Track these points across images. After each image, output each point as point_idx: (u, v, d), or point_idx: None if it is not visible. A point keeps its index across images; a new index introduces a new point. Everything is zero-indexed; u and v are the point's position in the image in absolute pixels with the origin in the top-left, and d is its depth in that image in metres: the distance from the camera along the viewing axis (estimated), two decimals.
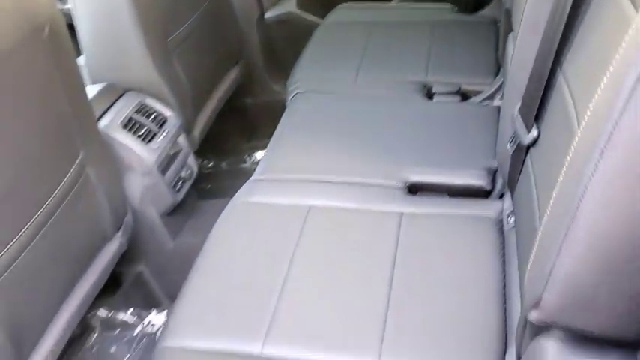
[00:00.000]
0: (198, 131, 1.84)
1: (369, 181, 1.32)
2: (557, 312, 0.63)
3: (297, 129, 1.53)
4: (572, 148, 0.61)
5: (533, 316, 0.66)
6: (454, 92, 1.61)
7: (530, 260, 0.69)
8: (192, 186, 1.81)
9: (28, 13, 1.12)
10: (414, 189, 1.33)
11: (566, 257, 0.59)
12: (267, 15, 2.26)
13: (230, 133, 2.20)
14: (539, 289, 0.63)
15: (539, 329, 0.75)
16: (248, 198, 1.31)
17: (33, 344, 1.24)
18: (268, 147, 1.49)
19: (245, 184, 1.37)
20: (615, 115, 0.51)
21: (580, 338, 0.70)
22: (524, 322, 0.80)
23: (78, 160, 1.32)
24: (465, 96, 1.63)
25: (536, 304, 0.65)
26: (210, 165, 2.11)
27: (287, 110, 1.64)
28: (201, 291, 1.12)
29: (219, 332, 1.03)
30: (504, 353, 0.94)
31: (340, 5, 2.16)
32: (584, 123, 0.59)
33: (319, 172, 1.36)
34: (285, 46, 2.26)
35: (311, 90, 1.69)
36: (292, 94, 1.71)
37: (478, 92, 1.62)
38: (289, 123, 1.56)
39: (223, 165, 2.15)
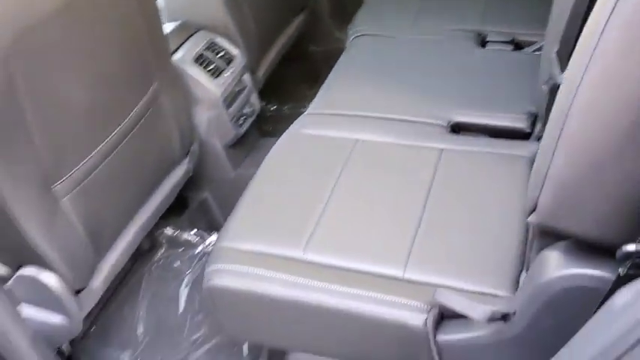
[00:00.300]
0: (262, 72, 1.96)
1: (415, 119, 1.41)
2: (550, 215, 0.71)
3: (352, 69, 1.63)
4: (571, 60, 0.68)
5: (532, 219, 0.74)
6: (507, 42, 1.65)
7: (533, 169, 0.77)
8: (255, 126, 1.95)
9: None
10: (456, 128, 1.41)
11: (558, 160, 0.67)
12: None
13: (293, 79, 2.31)
14: (537, 193, 0.71)
15: (544, 244, 0.83)
16: (301, 130, 1.43)
17: (108, 246, 1.42)
18: (324, 84, 1.60)
19: (299, 118, 1.49)
20: (600, 29, 0.58)
21: (578, 249, 0.78)
22: (532, 237, 0.88)
23: (152, 87, 1.47)
24: (518, 46, 1.67)
25: (533, 208, 0.73)
26: (272, 108, 2.23)
27: (345, 52, 1.73)
28: (255, 203, 1.26)
29: (267, 238, 1.16)
30: (519, 275, 1.03)
31: None
32: (581, 39, 0.66)
33: (369, 109, 1.45)
34: None
35: (369, 34, 1.77)
36: (351, 38, 1.80)
37: (532, 43, 1.65)
38: (345, 63, 1.66)
39: (285, 109, 2.27)
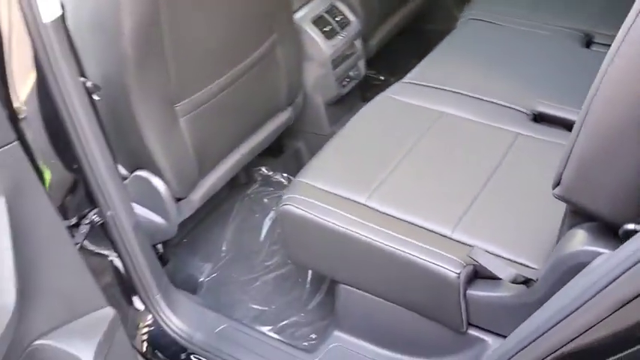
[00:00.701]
0: (375, 41, 2.10)
1: (500, 102, 1.50)
2: (570, 189, 0.81)
3: (455, 48, 1.73)
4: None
5: (556, 191, 0.84)
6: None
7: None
8: (358, 90, 2.09)
9: None
10: (538, 118, 1.48)
11: (581, 140, 0.76)
12: None
13: (405, 54, 2.42)
14: (562, 168, 0.81)
15: (574, 223, 0.93)
16: (392, 95, 1.56)
17: (209, 168, 1.64)
18: (425, 58, 1.71)
19: (393, 85, 1.62)
20: (630, 23, 0.67)
21: (599, 231, 0.87)
22: (564, 216, 0.97)
23: (272, 38, 1.66)
24: None
25: (558, 181, 0.83)
26: (379, 77, 2.36)
27: (453, 32, 1.83)
28: (336, 151, 1.42)
29: (339, 181, 1.32)
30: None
31: None
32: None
33: (458, 86, 1.55)
34: None
35: (480, 19, 1.86)
36: (463, 20, 1.89)
37: None
38: (450, 42, 1.76)
39: (391, 80, 2.39)
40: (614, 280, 0.61)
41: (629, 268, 0.60)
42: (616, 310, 0.61)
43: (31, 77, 1.18)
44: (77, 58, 1.25)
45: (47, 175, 1.21)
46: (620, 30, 0.72)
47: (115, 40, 1.28)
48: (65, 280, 1.11)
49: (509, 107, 1.48)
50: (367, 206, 1.26)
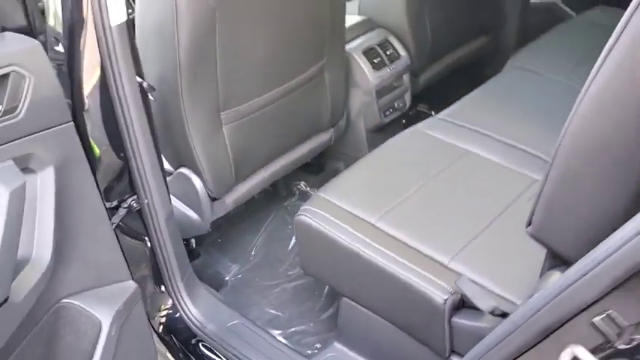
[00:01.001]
0: (424, 78, 2.19)
1: (525, 148, 1.55)
2: (539, 229, 0.87)
3: (493, 91, 1.80)
4: None
5: (528, 230, 0.90)
6: None
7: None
8: (400, 121, 2.18)
9: None
10: None
11: (549, 182, 0.83)
12: (533, 0, 2.47)
13: (456, 93, 2.49)
14: (533, 207, 0.87)
15: (552, 265, 0.98)
16: (424, 128, 1.65)
17: (245, 175, 1.76)
18: (464, 97, 1.79)
19: (428, 119, 1.70)
20: (592, 76, 0.74)
21: None
22: (544, 259, 1.02)
23: (321, 62, 1.78)
24: None
25: (530, 221, 0.89)
26: (424, 111, 2.43)
27: (496, 76, 1.90)
28: (358, 172, 1.52)
29: (354, 200, 1.41)
30: None
31: (600, 7, 2.26)
32: None
33: (488, 128, 1.62)
34: (538, 32, 2.44)
35: (525, 67, 1.91)
36: (509, 66, 1.95)
37: None
38: (491, 85, 1.83)
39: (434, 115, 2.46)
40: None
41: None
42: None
43: (96, 74, 1.35)
44: (137, 60, 1.41)
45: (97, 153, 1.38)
46: (590, 75, 0.78)
47: (173, 48, 1.43)
48: (97, 251, 1.27)
49: (533, 154, 1.53)
50: (376, 227, 1.34)
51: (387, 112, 2.05)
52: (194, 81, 1.48)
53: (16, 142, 1.02)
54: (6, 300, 1.01)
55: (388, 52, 2.00)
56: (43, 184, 1.09)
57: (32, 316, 1.11)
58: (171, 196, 1.65)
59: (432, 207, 1.40)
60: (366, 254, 1.29)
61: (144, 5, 1.46)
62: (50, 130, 1.08)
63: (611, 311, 0.67)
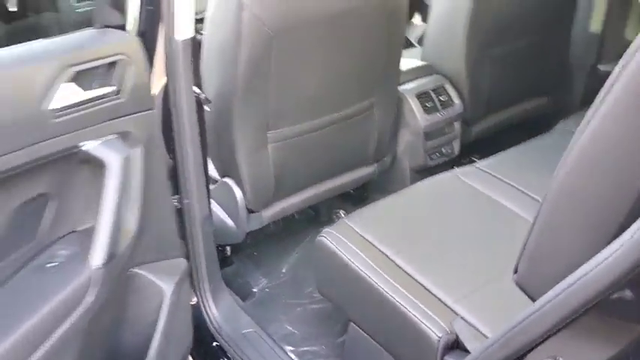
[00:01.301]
0: (477, 128, 2.23)
1: None
2: (523, 277, 0.90)
3: (535, 150, 1.83)
4: None
5: (514, 278, 0.94)
6: None
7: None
8: (447, 165, 2.22)
9: None
10: None
11: (532, 237, 0.86)
12: (601, 67, 2.45)
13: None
14: (519, 255, 0.91)
15: None
16: (459, 174, 1.69)
17: (285, 194, 1.86)
18: (505, 151, 1.81)
19: (465, 166, 1.75)
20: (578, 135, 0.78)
21: None
22: None
23: (371, 100, 1.87)
24: None
25: (516, 270, 0.92)
26: (472, 160, 2.44)
27: (542, 135, 1.92)
28: (385, 205, 1.60)
29: (375, 231, 1.47)
30: None
31: None
32: None
33: (523, 184, 1.63)
34: None
35: (571, 130, 1.91)
36: (558, 128, 1.97)
37: None
38: (533, 143, 1.87)
39: None
40: None
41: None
42: None
43: (162, 80, 1.50)
44: (198, 74, 1.55)
45: None
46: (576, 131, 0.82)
47: (232, 67, 1.56)
48: (161, 227, 1.44)
49: None
50: (390, 259, 1.40)
51: (434, 156, 2.10)
52: (246, 99, 1.61)
53: (120, 119, 1.23)
54: (113, 257, 1.19)
55: (442, 98, 2.06)
56: (134, 160, 1.27)
57: (113, 280, 1.27)
58: (213, 203, 1.77)
59: (450, 249, 1.43)
60: (372, 281, 1.34)
61: (212, 29, 1.60)
62: (142, 113, 1.28)
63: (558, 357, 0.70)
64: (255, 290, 2.01)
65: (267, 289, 2.01)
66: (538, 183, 1.66)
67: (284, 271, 2.07)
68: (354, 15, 1.65)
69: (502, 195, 1.62)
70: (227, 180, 1.78)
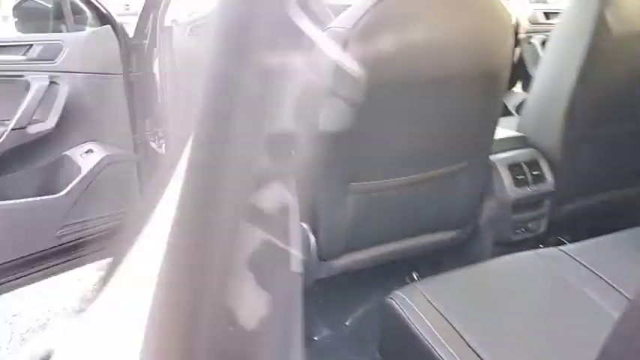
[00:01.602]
0: (568, 209, 2.12)
1: None
2: None
3: (631, 240, 1.71)
4: None
5: None
6: None
7: None
8: (530, 242, 2.12)
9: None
10: None
11: (617, 334, 0.79)
12: None
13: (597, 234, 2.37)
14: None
15: None
16: (544, 257, 1.61)
17: (357, 248, 1.82)
18: (602, 237, 1.72)
19: (553, 249, 1.66)
20: None
21: None
22: None
23: (460, 165, 1.83)
24: None
25: None
26: (560, 240, 2.33)
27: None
28: (461, 276, 1.55)
29: (448, 301, 1.42)
30: None
31: None
32: None
33: (613, 277, 1.53)
34: None
35: None
36: None
37: None
38: (634, 233, 1.75)
39: None
40: None
41: None
42: None
43: None
44: None
45: None
46: None
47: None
48: None
49: None
50: (458, 333, 1.34)
51: (519, 230, 2.02)
52: (334, 148, 1.62)
53: None
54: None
55: (534, 173, 1.99)
56: None
57: None
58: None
59: (521, 333, 1.36)
60: (436, 353, 1.29)
61: None
62: None
63: None
64: (316, 339, 1.98)
65: (327, 340, 1.98)
66: (629, 277, 1.56)
67: (347, 324, 2.04)
68: (455, 81, 1.63)
69: (587, 285, 1.52)
70: (303, 224, 1.78)
